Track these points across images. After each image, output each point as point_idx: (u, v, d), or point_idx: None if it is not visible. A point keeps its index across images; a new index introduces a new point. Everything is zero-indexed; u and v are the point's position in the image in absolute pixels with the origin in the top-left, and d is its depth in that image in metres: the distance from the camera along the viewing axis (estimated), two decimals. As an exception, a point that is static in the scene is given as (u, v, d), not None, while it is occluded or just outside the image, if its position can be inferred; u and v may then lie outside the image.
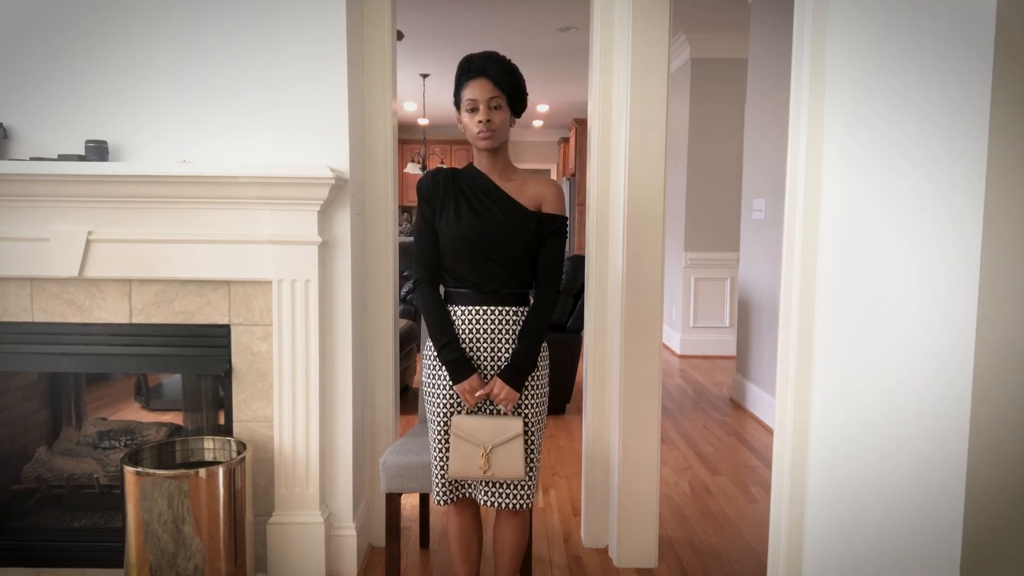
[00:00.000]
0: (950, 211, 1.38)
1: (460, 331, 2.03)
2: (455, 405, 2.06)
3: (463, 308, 2.04)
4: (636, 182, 2.67)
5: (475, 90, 1.97)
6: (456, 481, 2.10)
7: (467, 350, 2.03)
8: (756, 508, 3.36)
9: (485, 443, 1.97)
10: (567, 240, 2.10)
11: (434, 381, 2.09)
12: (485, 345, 2.03)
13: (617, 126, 2.76)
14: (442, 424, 2.07)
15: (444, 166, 2.07)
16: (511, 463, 1.98)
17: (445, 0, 5.46)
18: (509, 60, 2.03)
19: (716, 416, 4.92)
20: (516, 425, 1.98)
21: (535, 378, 2.06)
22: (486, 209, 2.01)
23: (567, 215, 2.11)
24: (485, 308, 2.03)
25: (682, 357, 6.73)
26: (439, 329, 2.02)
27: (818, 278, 1.91)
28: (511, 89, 2.01)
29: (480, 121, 1.97)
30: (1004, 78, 1.27)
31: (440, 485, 2.11)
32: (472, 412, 2.03)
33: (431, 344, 2.08)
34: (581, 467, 3.02)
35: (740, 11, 5.49)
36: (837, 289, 1.81)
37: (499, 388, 1.99)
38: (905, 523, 1.52)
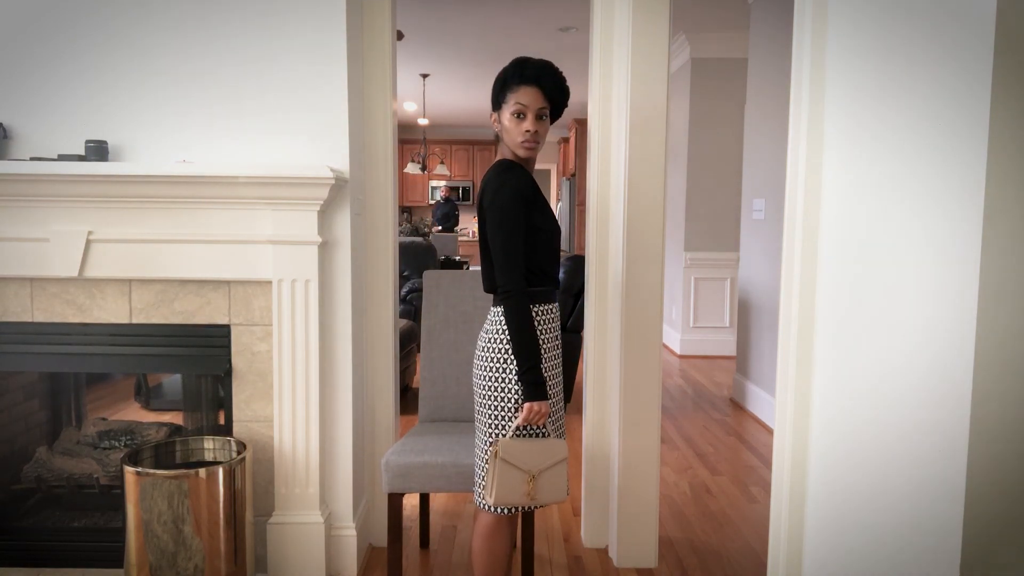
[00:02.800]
0: (950, 211, 1.38)
1: (549, 328, 2.04)
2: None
3: (550, 306, 2.06)
4: (636, 182, 2.67)
5: (526, 96, 1.96)
6: None
7: (555, 347, 2.07)
8: (756, 508, 3.36)
9: (533, 468, 1.92)
10: None
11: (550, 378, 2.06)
12: (557, 339, 2.09)
13: (617, 126, 2.76)
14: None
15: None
16: (557, 487, 1.96)
17: (445, 0, 5.46)
18: (562, 73, 2.03)
19: (716, 416, 4.92)
20: (562, 449, 1.98)
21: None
22: (550, 209, 2.09)
23: None
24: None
25: (682, 357, 6.73)
26: (534, 349, 1.92)
27: (818, 278, 1.91)
28: (558, 103, 2.03)
29: (527, 130, 1.97)
30: (1004, 78, 1.27)
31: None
32: (519, 436, 1.96)
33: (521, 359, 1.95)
34: (581, 467, 3.02)
35: (740, 11, 5.49)
36: (837, 289, 1.81)
37: (542, 408, 1.94)
38: (905, 523, 1.52)
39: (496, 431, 2.00)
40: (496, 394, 2.00)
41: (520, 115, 1.97)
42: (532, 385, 1.91)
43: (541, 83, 1.97)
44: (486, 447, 2.02)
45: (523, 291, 1.92)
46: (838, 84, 1.81)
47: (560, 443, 1.98)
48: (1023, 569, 1.35)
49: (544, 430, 1.98)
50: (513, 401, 1.98)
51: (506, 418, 1.99)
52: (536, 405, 1.90)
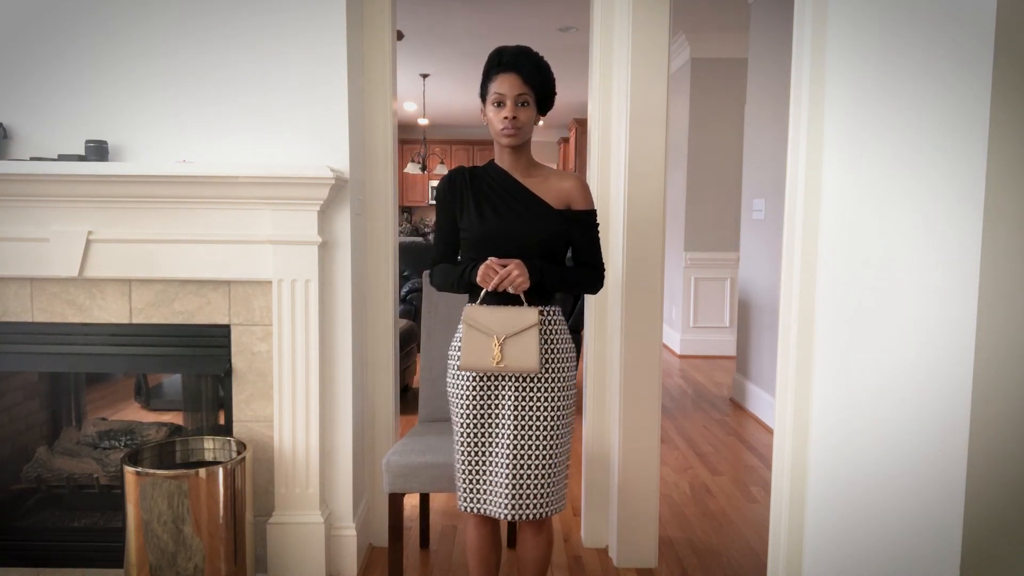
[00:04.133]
0: (950, 211, 1.38)
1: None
2: (481, 400, 2.01)
3: (482, 305, 2.00)
4: (636, 182, 2.67)
5: (503, 85, 1.94)
6: (478, 491, 2.03)
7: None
8: (756, 508, 3.36)
9: (499, 333, 1.92)
10: (598, 225, 2.13)
11: (458, 377, 2.04)
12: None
13: (617, 126, 2.76)
14: (469, 420, 2.02)
15: (465, 165, 2.06)
16: (525, 354, 1.91)
17: (445, 0, 5.46)
18: (541, 57, 2.00)
19: (716, 416, 4.92)
20: (531, 316, 1.93)
21: (561, 371, 2.02)
22: (507, 207, 2.00)
23: (594, 206, 2.11)
24: (502, 306, 1.97)
25: (682, 357, 6.73)
26: (454, 277, 2.03)
27: (818, 278, 1.91)
28: (540, 87, 1.98)
29: (506, 117, 1.94)
30: (1004, 78, 1.27)
31: (465, 488, 2.05)
32: (485, 304, 1.98)
33: (455, 346, 2.05)
34: (581, 467, 3.02)
35: (740, 11, 5.49)
36: (837, 289, 1.81)
37: (515, 265, 1.91)
38: (905, 523, 1.52)
39: (455, 419, 2.07)
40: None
41: (500, 104, 1.95)
42: (469, 277, 1.97)
43: (518, 68, 1.94)
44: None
45: (431, 271, 2.12)
46: (838, 84, 1.81)
47: (530, 311, 1.94)
48: (1023, 569, 1.35)
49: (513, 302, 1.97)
50: (452, 386, 2.05)
51: (457, 400, 2.04)
52: (484, 265, 1.91)
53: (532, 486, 1.98)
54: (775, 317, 4.21)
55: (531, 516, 1.98)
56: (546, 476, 1.99)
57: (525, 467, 1.97)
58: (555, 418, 2.00)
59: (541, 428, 1.99)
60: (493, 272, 1.91)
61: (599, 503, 2.92)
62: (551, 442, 1.99)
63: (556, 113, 10.38)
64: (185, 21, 2.51)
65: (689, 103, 6.50)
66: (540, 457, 1.98)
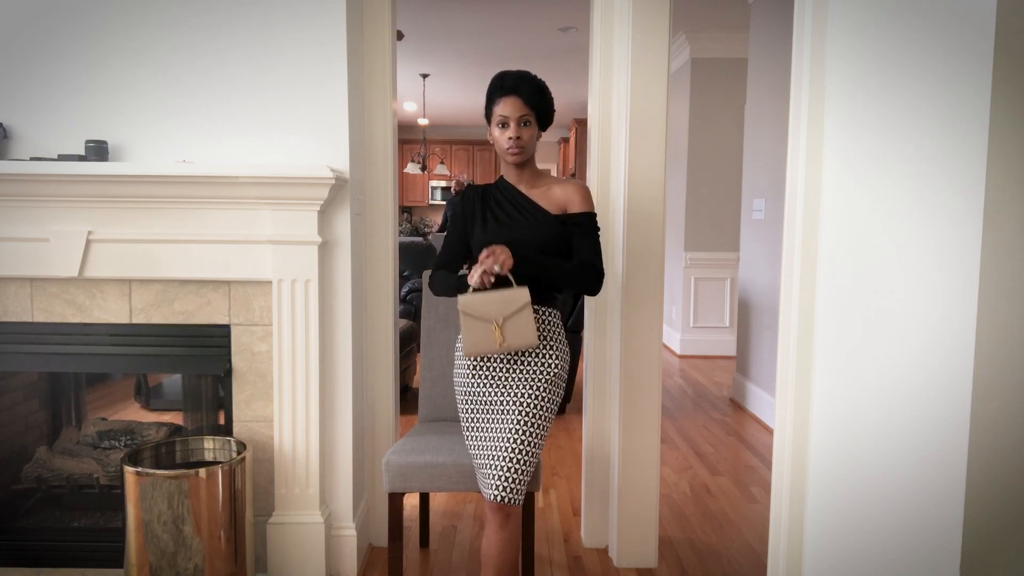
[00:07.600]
0: (950, 211, 1.38)
1: None
2: (482, 386, 2.13)
3: (475, 293, 2.11)
4: (636, 182, 2.67)
5: (506, 107, 2.09)
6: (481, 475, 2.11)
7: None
8: (756, 508, 3.36)
9: (496, 316, 2.01)
10: (598, 230, 2.21)
11: (462, 367, 2.18)
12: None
13: (617, 126, 2.76)
14: (469, 406, 2.16)
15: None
16: (524, 331, 2.01)
17: (445, 0, 5.46)
18: (541, 80, 2.15)
19: (716, 416, 4.92)
20: (523, 295, 2.01)
21: (552, 366, 2.11)
22: (510, 217, 2.15)
23: (594, 210, 2.20)
24: (494, 291, 2.07)
25: (682, 357, 6.73)
26: (451, 277, 2.16)
27: (818, 278, 1.91)
28: (540, 107, 2.12)
29: (510, 137, 2.10)
30: (1004, 78, 1.27)
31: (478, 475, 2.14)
32: (477, 291, 2.03)
33: (459, 344, 2.17)
34: (581, 467, 3.02)
35: (740, 11, 5.49)
36: (837, 289, 1.81)
37: (496, 246, 2.00)
38: (905, 523, 1.52)
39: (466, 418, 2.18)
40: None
41: (504, 125, 2.10)
42: (466, 279, 2.06)
43: (520, 92, 2.09)
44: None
45: (432, 276, 2.23)
46: (838, 84, 1.81)
47: (520, 291, 2.01)
48: (1023, 570, 1.35)
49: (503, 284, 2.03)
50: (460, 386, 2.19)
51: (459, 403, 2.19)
52: (478, 264, 1.97)
53: (500, 467, 2.03)
54: (775, 317, 4.20)
55: (491, 496, 2.03)
56: (514, 461, 2.03)
57: (500, 449, 2.05)
58: (536, 406, 2.07)
59: (519, 414, 2.06)
60: (489, 259, 2.00)
61: (599, 503, 2.92)
62: (525, 427, 2.05)
63: (556, 113, 10.38)
64: (185, 21, 2.51)
65: (689, 103, 6.50)
66: (513, 442, 2.04)
